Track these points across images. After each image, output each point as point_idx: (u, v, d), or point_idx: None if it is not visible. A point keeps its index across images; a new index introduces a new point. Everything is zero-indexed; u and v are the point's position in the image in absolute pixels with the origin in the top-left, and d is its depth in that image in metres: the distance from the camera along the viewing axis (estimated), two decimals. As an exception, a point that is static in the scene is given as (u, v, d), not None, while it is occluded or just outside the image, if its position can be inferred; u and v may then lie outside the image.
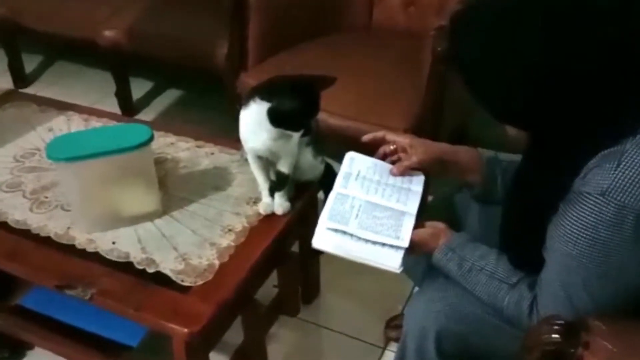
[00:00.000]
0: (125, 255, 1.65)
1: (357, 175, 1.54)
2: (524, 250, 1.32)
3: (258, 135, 1.61)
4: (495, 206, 1.45)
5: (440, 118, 2.30)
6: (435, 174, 1.56)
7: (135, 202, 1.75)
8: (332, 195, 1.50)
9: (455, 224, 1.51)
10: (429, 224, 1.44)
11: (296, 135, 1.59)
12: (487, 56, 1.15)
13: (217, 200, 1.83)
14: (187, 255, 1.63)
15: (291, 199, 1.77)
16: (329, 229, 1.42)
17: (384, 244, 1.39)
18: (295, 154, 1.68)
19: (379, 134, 1.59)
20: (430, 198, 1.71)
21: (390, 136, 1.58)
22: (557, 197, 1.19)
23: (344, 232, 1.41)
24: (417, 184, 1.53)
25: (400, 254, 1.37)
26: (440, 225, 1.44)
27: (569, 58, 1.09)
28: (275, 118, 1.55)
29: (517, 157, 1.46)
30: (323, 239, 1.41)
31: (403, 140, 1.56)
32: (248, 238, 1.69)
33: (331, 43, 2.83)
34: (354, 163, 1.57)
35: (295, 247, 2.06)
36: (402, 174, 1.54)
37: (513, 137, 1.27)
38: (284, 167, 1.68)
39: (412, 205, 1.47)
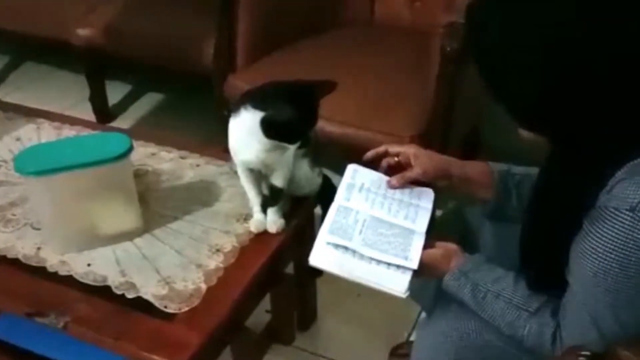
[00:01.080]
0: (102, 278, 1.64)
1: (361, 187, 1.54)
2: (546, 270, 1.32)
3: (249, 146, 1.60)
4: (510, 224, 1.45)
5: (451, 124, 2.31)
6: (442, 189, 1.56)
7: (113, 220, 1.75)
8: (333, 207, 1.49)
9: (467, 242, 1.51)
10: (439, 244, 1.43)
11: (292, 147, 1.59)
12: (508, 44, 1.14)
13: (203, 217, 1.82)
14: (170, 279, 1.62)
15: (286, 216, 1.77)
16: (329, 244, 1.41)
17: (389, 265, 1.38)
18: (291, 166, 1.68)
19: (381, 148, 1.59)
20: (439, 212, 1.71)
21: (393, 148, 1.58)
22: (581, 211, 1.19)
23: (346, 249, 1.40)
24: (426, 200, 1.53)
25: (407, 277, 1.37)
26: (451, 245, 1.43)
27: (595, 53, 1.08)
28: (270, 129, 1.55)
29: (532, 170, 1.46)
30: (322, 256, 1.40)
31: (407, 150, 1.57)
32: (238, 259, 1.69)
33: (329, 41, 2.84)
34: (357, 175, 1.57)
35: (290, 269, 2.05)
36: (402, 185, 1.54)
37: (529, 144, 1.27)
38: (277, 181, 1.68)
39: (422, 223, 1.47)
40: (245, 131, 1.58)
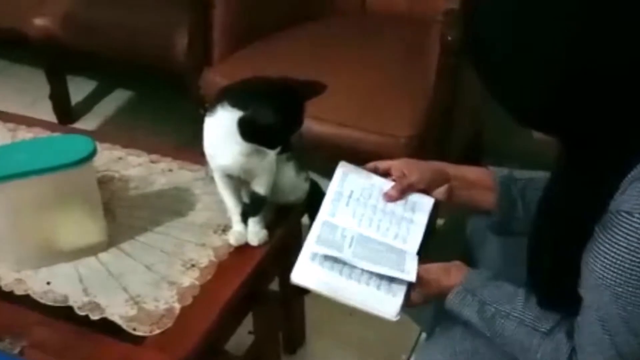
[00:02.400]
0: (63, 298, 1.63)
1: (350, 197, 1.54)
2: (557, 286, 1.32)
3: (227, 149, 1.60)
4: (517, 236, 1.46)
5: (452, 123, 2.32)
6: (440, 196, 1.56)
7: (75, 233, 1.74)
8: (317, 222, 1.49)
9: (469, 256, 1.52)
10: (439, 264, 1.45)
11: (272, 152, 1.60)
12: (511, 42, 1.14)
13: (176, 229, 1.82)
14: (140, 298, 1.62)
15: (269, 226, 1.76)
16: (316, 256, 1.40)
17: (379, 286, 1.38)
18: (274, 171, 1.68)
19: (369, 166, 1.61)
20: (440, 221, 1.72)
21: (382, 164, 1.61)
22: (594, 218, 1.20)
23: (334, 262, 1.40)
24: (421, 213, 1.54)
25: (399, 300, 1.37)
26: (453, 261, 1.45)
27: (610, 49, 1.09)
28: (248, 131, 1.55)
29: (535, 174, 1.47)
30: (306, 273, 1.40)
31: (398, 163, 1.60)
32: (216, 275, 1.69)
33: (317, 31, 2.85)
34: (346, 179, 1.58)
35: (274, 285, 2.05)
36: (400, 196, 1.55)
37: (538, 148, 1.28)
38: (259, 188, 1.68)
39: (413, 243, 1.49)
40: (222, 132, 1.58)
